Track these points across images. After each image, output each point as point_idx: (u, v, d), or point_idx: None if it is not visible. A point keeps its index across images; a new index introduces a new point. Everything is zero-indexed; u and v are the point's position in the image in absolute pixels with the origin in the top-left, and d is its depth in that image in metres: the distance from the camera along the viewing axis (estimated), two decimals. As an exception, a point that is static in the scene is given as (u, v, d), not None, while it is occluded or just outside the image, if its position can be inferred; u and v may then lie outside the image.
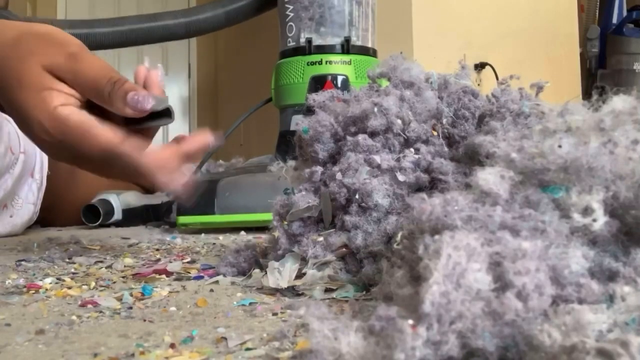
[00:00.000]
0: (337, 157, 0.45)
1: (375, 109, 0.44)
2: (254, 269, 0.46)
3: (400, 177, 0.42)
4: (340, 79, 1.04)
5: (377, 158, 0.43)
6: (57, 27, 0.82)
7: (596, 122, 0.29)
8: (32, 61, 0.51)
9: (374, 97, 0.45)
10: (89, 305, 0.39)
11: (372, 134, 0.44)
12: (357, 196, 0.42)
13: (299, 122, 0.48)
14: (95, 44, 1.08)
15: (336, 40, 1.05)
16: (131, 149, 0.51)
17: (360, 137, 0.44)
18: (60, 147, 0.51)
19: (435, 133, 0.46)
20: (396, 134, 0.44)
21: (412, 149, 0.44)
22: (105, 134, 0.50)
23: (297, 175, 0.47)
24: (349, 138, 0.45)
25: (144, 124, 0.53)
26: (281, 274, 0.41)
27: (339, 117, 0.46)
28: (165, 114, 0.53)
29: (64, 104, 0.51)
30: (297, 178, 0.47)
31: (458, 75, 0.49)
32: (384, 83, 0.48)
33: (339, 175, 0.43)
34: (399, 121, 0.44)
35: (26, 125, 0.52)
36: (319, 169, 0.45)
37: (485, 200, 0.28)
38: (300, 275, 0.42)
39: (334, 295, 0.40)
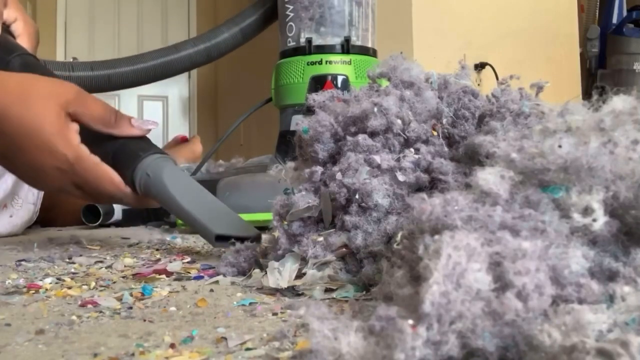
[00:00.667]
0: (337, 157, 0.45)
1: (375, 109, 0.44)
2: (254, 269, 0.46)
3: (400, 177, 0.42)
4: (340, 79, 1.04)
5: (377, 158, 0.43)
6: (80, 68, 1.02)
7: (596, 122, 0.29)
8: (52, 102, 0.58)
9: (374, 97, 0.45)
10: (89, 305, 0.39)
11: (372, 134, 0.44)
12: (357, 196, 0.42)
13: (299, 122, 0.47)
14: (119, 84, 1.07)
15: (336, 40, 1.05)
16: (132, 198, 0.62)
17: (360, 137, 0.44)
18: (70, 181, 0.59)
19: (435, 133, 0.45)
20: (396, 134, 0.44)
21: (412, 149, 0.44)
22: (119, 178, 0.60)
23: (297, 175, 0.47)
24: (349, 138, 0.45)
25: (230, 241, 0.56)
26: (281, 274, 0.41)
27: (338, 117, 0.46)
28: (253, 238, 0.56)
29: (80, 142, 0.59)
30: (297, 178, 0.47)
31: (458, 75, 0.49)
32: (384, 83, 0.48)
33: (339, 175, 0.43)
34: (399, 121, 0.44)
35: (44, 159, 0.58)
36: (318, 169, 0.45)
37: (485, 200, 0.28)
38: (300, 275, 0.42)
39: (334, 295, 0.40)
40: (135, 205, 0.65)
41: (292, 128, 1.04)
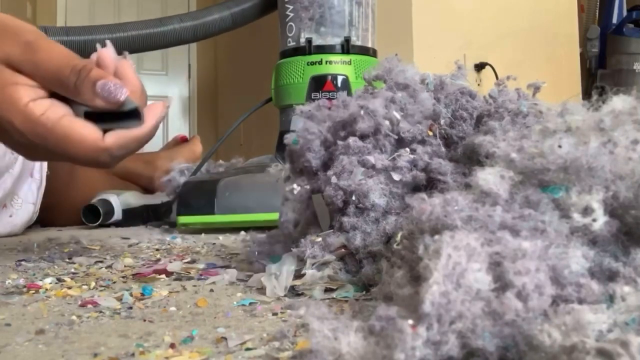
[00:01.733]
0: (329, 164, 0.45)
1: (362, 112, 0.44)
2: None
3: (396, 177, 0.42)
4: (340, 79, 1.04)
5: (371, 158, 0.43)
6: (54, 33, 0.84)
7: (596, 122, 0.29)
8: None
9: (360, 101, 0.45)
10: (89, 305, 0.39)
11: (362, 137, 0.44)
12: (353, 197, 0.42)
13: (287, 137, 0.46)
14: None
15: (336, 40, 1.05)
16: (116, 147, 0.46)
17: (351, 140, 0.43)
18: (36, 148, 0.46)
19: (431, 133, 0.45)
20: (385, 135, 0.44)
21: (407, 149, 0.44)
22: (90, 134, 0.45)
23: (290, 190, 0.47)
24: (339, 142, 0.44)
25: (109, 124, 0.45)
26: (278, 279, 0.41)
27: (327, 124, 0.45)
28: (133, 115, 0.45)
29: (34, 99, 0.45)
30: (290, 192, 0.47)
31: (454, 76, 0.49)
32: (380, 85, 0.48)
33: (334, 179, 0.43)
34: (387, 122, 0.44)
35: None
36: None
37: (485, 200, 0.28)
38: (299, 275, 0.42)
39: (334, 295, 0.40)
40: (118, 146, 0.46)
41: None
